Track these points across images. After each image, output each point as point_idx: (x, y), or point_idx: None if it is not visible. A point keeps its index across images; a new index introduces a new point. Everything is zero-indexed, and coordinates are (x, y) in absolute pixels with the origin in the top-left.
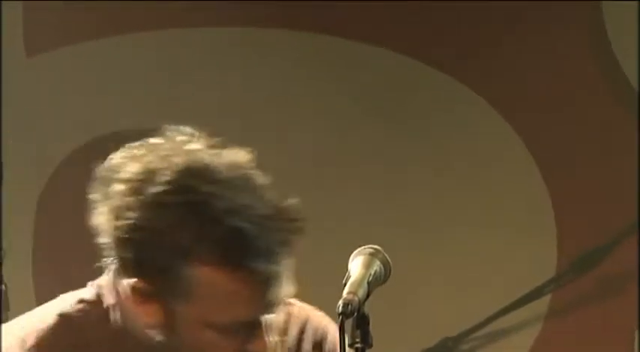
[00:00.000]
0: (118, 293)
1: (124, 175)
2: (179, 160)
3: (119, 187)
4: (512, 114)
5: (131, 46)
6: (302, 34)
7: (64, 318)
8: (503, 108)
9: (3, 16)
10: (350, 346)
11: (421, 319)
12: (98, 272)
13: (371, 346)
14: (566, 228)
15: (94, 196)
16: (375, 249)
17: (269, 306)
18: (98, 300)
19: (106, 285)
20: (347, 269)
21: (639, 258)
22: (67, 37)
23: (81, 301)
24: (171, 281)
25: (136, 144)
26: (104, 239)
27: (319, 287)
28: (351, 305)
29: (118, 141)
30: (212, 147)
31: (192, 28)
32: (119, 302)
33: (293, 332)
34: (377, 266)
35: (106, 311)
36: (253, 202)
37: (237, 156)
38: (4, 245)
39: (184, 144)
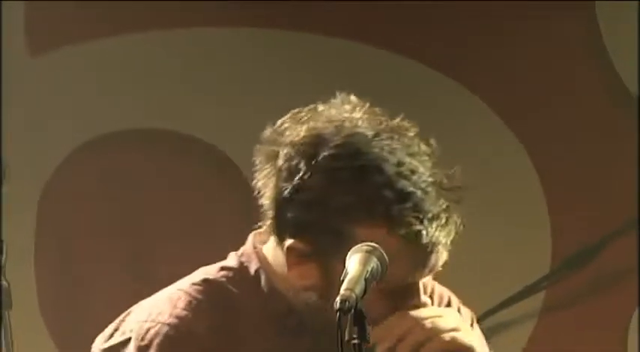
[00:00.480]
0: (261, 259)
1: (290, 138)
2: (347, 125)
3: (286, 149)
4: (508, 113)
5: (133, 45)
6: (297, 34)
7: (210, 283)
8: (499, 108)
9: (5, 15)
10: (347, 342)
11: None
12: (104, 269)
13: (368, 342)
14: (560, 226)
15: (258, 158)
16: (372, 246)
17: (429, 271)
18: (242, 267)
19: (248, 253)
20: (344, 266)
21: (639, 256)
22: (69, 36)
23: (223, 268)
24: (335, 240)
25: (302, 109)
26: (264, 200)
27: None
28: (349, 301)
29: (118, 140)
30: (376, 115)
31: (194, 28)
32: (264, 267)
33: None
34: (374, 263)
35: (252, 276)
36: (419, 168)
37: (402, 123)
38: (6, 242)
39: (349, 112)
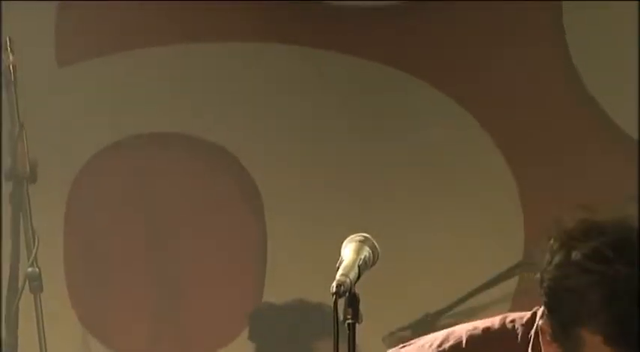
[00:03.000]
0: (535, 327)
1: (563, 231)
2: (610, 230)
3: (557, 242)
4: (479, 110)
5: (154, 57)
6: (290, 47)
7: (491, 329)
8: (472, 107)
9: (36, 27)
10: (342, 321)
11: (404, 298)
12: (127, 257)
13: (361, 321)
14: (531, 216)
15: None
16: (365, 236)
17: None
18: (530, 321)
19: (535, 312)
20: (339, 255)
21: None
22: (95, 50)
23: (513, 320)
24: (566, 335)
25: None
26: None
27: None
28: (344, 286)
29: (138, 142)
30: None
31: (205, 43)
32: (533, 336)
33: None
34: (366, 251)
35: (523, 339)
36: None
37: None
38: (37, 233)
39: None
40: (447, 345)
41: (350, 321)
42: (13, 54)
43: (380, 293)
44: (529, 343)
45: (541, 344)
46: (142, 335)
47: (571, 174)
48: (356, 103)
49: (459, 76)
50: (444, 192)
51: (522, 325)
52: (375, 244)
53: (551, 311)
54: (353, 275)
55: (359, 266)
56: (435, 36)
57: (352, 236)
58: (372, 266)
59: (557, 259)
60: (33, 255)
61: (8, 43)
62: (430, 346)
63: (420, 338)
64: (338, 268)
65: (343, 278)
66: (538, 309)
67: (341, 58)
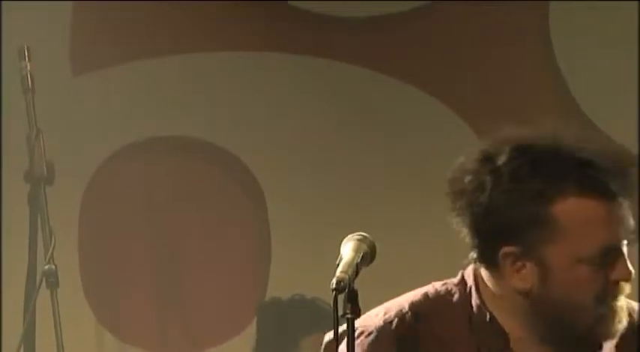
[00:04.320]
0: (476, 276)
1: (465, 166)
2: (509, 141)
3: (466, 179)
4: (470, 115)
5: (166, 67)
6: (290, 56)
7: (428, 293)
8: (462, 112)
9: (51, 37)
10: (342, 316)
11: (399, 292)
12: (139, 254)
13: (359, 316)
14: None
15: (452, 200)
16: (363, 235)
17: (626, 230)
18: (461, 281)
19: (467, 270)
20: (339, 253)
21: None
22: (108, 59)
23: (445, 283)
24: (539, 228)
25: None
26: (467, 235)
27: (319, 266)
28: (343, 282)
29: (149, 145)
30: None
31: (208, 53)
32: (477, 284)
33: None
34: (364, 249)
35: (467, 290)
36: (589, 147)
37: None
38: (54, 232)
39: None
40: (391, 313)
41: (349, 316)
42: (30, 62)
43: (378, 289)
44: (470, 297)
45: (482, 294)
46: (152, 329)
47: None
48: (358, 108)
49: (446, 79)
50: (441, 191)
51: (455, 285)
52: (373, 242)
53: (503, 232)
54: (352, 272)
55: (357, 264)
56: (427, 44)
57: (351, 235)
58: (370, 263)
59: (478, 186)
60: (50, 253)
61: (26, 52)
62: (376, 315)
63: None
64: (338, 265)
65: (343, 275)
66: (463, 271)
67: (340, 66)
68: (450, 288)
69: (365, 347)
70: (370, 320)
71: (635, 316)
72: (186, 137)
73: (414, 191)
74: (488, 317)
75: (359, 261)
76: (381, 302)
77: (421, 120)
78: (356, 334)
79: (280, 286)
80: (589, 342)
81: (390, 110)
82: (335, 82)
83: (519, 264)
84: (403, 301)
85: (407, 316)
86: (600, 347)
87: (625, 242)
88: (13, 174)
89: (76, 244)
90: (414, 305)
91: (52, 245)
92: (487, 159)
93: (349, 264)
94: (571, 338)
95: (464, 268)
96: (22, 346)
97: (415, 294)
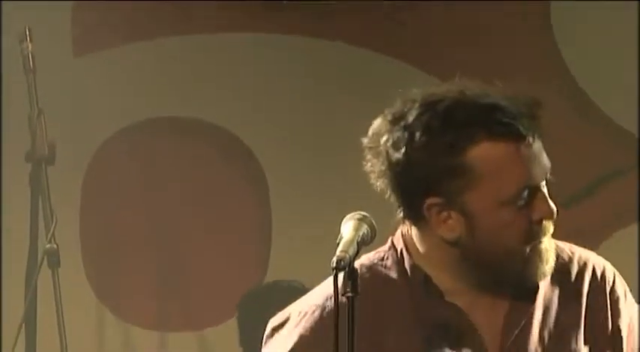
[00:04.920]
0: (406, 240)
1: (373, 130)
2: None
3: (381, 140)
4: None
5: (166, 48)
6: (294, 37)
7: (364, 266)
8: None
9: (53, 18)
10: (342, 295)
11: None
12: (138, 233)
13: (358, 294)
14: None
15: (367, 159)
16: (363, 215)
17: (542, 168)
18: (392, 246)
19: (397, 237)
20: (339, 232)
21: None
22: (109, 40)
23: (377, 252)
24: (457, 177)
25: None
26: (384, 190)
27: (320, 247)
28: (343, 261)
29: (150, 126)
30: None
31: (212, 34)
32: (408, 246)
33: (573, 272)
34: (365, 229)
35: (398, 255)
36: (495, 94)
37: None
38: (55, 211)
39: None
40: (329, 291)
41: (350, 295)
42: (31, 43)
43: None
44: (403, 260)
45: (413, 256)
46: (152, 308)
47: (557, 159)
48: (361, 89)
49: (450, 62)
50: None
51: (386, 251)
52: (373, 222)
53: (423, 184)
54: (352, 250)
55: (357, 243)
56: (427, 28)
57: (351, 214)
58: (370, 242)
59: (390, 145)
60: (51, 232)
61: (27, 33)
62: (312, 295)
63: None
64: (338, 244)
65: (343, 254)
66: (392, 237)
67: (343, 47)
68: (382, 255)
69: (306, 325)
70: (307, 301)
71: (564, 256)
72: (188, 118)
73: None
74: (422, 277)
75: (359, 240)
76: None
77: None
78: (295, 316)
79: (280, 267)
80: (521, 286)
81: (395, 91)
82: (337, 63)
83: (445, 214)
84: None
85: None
86: (536, 290)
87: (543, 181)
88: (14, 154)
89: (77, 224)
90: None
91: (53, 224)
92: (399, 117)
93: (349, 243)
94: (503, 284)
95: (392, 234)
96: (24, 325)
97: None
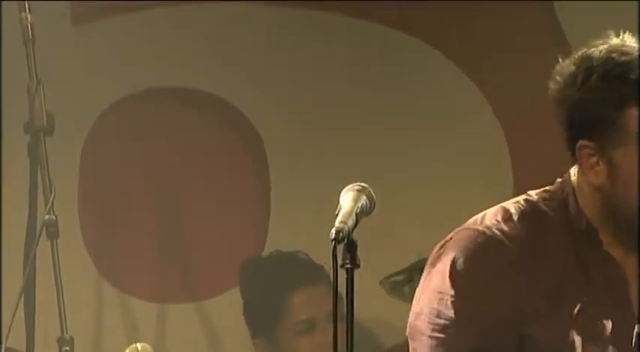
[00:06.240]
0: (572, 183)
1: (561, 67)
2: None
3: (564, 76)
4: (477, 75)
5: (165, 18)
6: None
7: (529, 202)
8: (465, 66)
9: None
10: (341, 266)
11: (399, 244)
12: (136, 204)
13: (358, 266)
14: (521, 175)
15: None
16: (362, 186)
17: None
18: (558, 189)
19: (566, 179)
20: (338, 202)
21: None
22: (108, 9)
23: (545, 190)
24: (615, 130)
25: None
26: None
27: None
28: (342, 232)
29: (149, 96)
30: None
31: (212, 4)
32: (573, 190)
33: None
34: (364, 200)
35: (563, 198)
36: None
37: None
38: (54, 182)
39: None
40: (499, 217)
41: (348, 266)
42: (30, 14)
43: (376, 240)
44: (568, 203)
45: (579, 198)
46: (151, 280)
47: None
48: (358, 59)
49: (449, 32)
50: (439, 144)
51: (554, 191)
52: (372, 193)
53: (581, 127)
54: (351, 222)
55: (356, 214)
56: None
57: (350, 185)
58: (369, 213)
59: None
60: (50, 203)
61: (26, 4)
62: (482, 221)
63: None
64: (337, 215)
65: (342, 225)
66: (561, 179)
67: (342, 19)
68: (548, 195)
69: (480, 249)
70: (476, 224)
71: None
72: (186, 88)
73: (416, 146)
74: (584, 224)
75: (358, 211)
76: (380, 253)
77: (426, 75)
78: (469, 235)
79: (280, 238)
80: None
81: (395, 64)
82: (336, 33)
83: (594, 159)
84: (507, 205)
85: (513, 220)
86: None
87: None
88: (13, 124)
89: (76, 195)
90: (520, 212)
91: (52, 195)
92: (585, 58)
93: (348, 214)
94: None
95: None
96: (22, 296)
97: (517, 201)
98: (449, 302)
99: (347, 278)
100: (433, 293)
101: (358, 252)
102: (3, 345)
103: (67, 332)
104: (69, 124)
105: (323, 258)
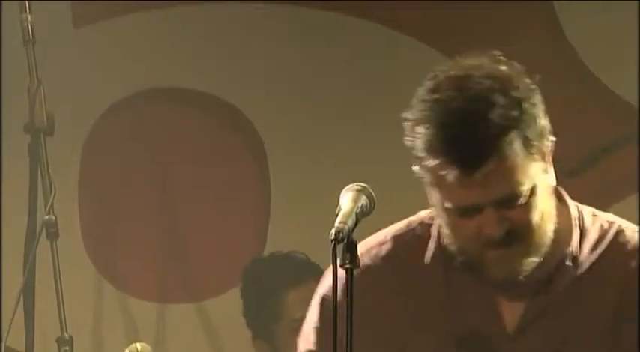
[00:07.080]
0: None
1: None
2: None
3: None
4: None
5: (165, 18)
6: (286, 7)
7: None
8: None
9: None
10: (341, 266)
11: None
12: (137, 204)
13: (358, 266)
14: None
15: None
16: (362, 186)
17: (484, 187)
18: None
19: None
20: (338, 203)
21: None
22: (109, 10)
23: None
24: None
25: None
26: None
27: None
28: (342, 232)
29: (149, 97)
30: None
31: (211, 4)
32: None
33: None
34: (363, 200)
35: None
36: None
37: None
38: (54, 182)
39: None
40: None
41: (348, 266)
42: (31, 14)
43: None
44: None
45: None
46: (151, 279)
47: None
48: (358, 59)
49: (449, 32)
50: None
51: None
52: (372, 194)
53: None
54: (351, 222)
55: (356, 215)
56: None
57: (350, 185)
58: (369, 213)
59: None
60: (50, 203)
61: (27, 5)
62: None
63: None
64: (337, 216)
65: (342, 226)
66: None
67: (343, 19)
68: (422, 220)
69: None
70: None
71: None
72: (187, 89)
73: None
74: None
75: (358, 211)
76: None
77: (426, 75)
78: None
79: (280, 238)
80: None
81: (394, 63)
82: (336, 33)
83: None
84: (388, 230)
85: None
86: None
87: (491, 200)
88: (13, 124)
89: (76, 195)
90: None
91: (52, 195)
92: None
93: (348, 215)
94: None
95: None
96: (22, 296)
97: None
98: None
99: (346, 278)
100: None
101: (358, 252)
102: (3, 345)
103: (66, 332)
104: (69, 124)
105: (323, 258)
